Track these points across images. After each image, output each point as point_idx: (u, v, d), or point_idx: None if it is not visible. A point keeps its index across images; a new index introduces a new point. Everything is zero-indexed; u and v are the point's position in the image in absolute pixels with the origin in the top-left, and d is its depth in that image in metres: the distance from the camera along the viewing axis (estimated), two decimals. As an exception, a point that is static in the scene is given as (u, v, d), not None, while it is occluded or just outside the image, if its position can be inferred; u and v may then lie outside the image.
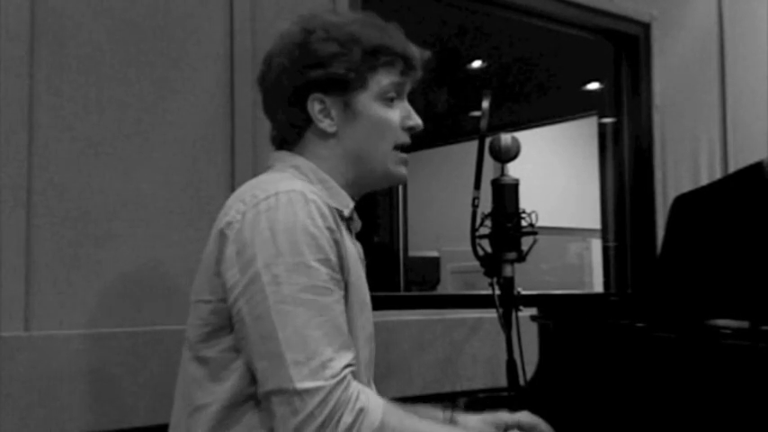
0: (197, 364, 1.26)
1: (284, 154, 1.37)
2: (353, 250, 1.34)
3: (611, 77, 3.23)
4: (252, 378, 1.21)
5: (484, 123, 1.91)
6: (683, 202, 1.83)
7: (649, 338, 1.39)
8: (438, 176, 6.66)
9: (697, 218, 1.74)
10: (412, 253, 5.81)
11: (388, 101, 1.36)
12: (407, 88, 1.40)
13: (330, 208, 1.23)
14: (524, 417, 1.44)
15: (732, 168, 3.21)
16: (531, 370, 1.78)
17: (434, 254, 5.64)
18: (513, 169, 1.99)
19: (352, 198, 1.37)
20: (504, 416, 1.44)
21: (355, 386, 1.16)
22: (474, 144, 1.94)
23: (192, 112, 1.96)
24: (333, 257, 1.20)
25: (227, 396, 1.22)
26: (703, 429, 1.27)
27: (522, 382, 1.91)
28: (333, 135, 1.34)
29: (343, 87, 1.32)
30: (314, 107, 1.33)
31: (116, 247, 1.82)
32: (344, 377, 1.15)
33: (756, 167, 1.69)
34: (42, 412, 1.68)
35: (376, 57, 1.33)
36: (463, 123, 6.43)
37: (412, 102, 1.41)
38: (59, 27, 1.78)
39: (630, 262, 3.13)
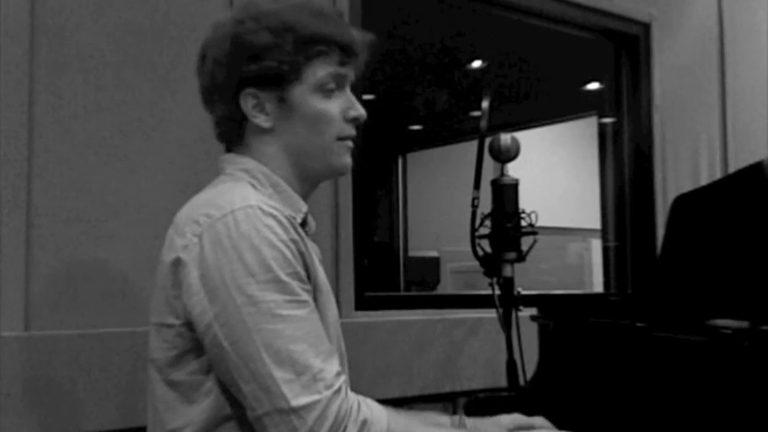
0: (167, 388, 1.22)
1: (234, 156, 1.33)
2: (314, 254, 1.29)
3: (611, 77, 3.23)
4: (227, 400, 1.17)
5: (484, 123, 1.91)
6: (683, 202, 1.83)
7: (649, 338, 1.39)
8: (438, 176, 6.67)
9: (697, 218, 1.74)
10: (412, 253, 5.82)
11: (328, 92, 1.29)
12: (350, 77, 1.33)
13: (288, 218, 1.19)
14: (538, 421, 1.40)
15: (732, 168, 3.20)
16: (531, 370, 1.78)
17: (434, 254, 5.65)
18: (513, 169, 1.99)
19: (304, 198, 1.32)
20: (521, 418, 1.38)
21: (354, 397, 1.14)
22: (474, 144, 1.94)
23: (192, 112, 1.94)
24: (300, 269, 1.16)
25: (202, 419, 1.18)
26: (703, 429, 1.27)
27: (522, 382, 1.91)
28: (270, 131, 1.29)
29: (277, 81, 1.26)
30: (247, 103, 1.27)
31: (116, 247, 1.82)
32: (340, 387, 1.12)
33: (756, 167, 1.69)
34: (42, 412, 1.69)
35: (310, 46, 1.26)
36: (463, 123, 6.43)
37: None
38: (59, 27, 1.78)
39: (630, 262, 3.13)
